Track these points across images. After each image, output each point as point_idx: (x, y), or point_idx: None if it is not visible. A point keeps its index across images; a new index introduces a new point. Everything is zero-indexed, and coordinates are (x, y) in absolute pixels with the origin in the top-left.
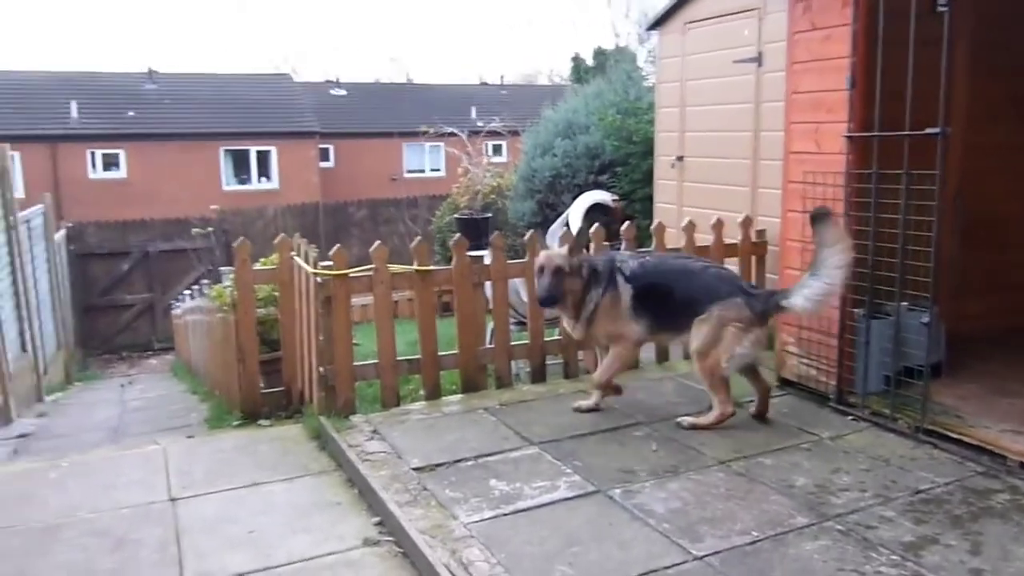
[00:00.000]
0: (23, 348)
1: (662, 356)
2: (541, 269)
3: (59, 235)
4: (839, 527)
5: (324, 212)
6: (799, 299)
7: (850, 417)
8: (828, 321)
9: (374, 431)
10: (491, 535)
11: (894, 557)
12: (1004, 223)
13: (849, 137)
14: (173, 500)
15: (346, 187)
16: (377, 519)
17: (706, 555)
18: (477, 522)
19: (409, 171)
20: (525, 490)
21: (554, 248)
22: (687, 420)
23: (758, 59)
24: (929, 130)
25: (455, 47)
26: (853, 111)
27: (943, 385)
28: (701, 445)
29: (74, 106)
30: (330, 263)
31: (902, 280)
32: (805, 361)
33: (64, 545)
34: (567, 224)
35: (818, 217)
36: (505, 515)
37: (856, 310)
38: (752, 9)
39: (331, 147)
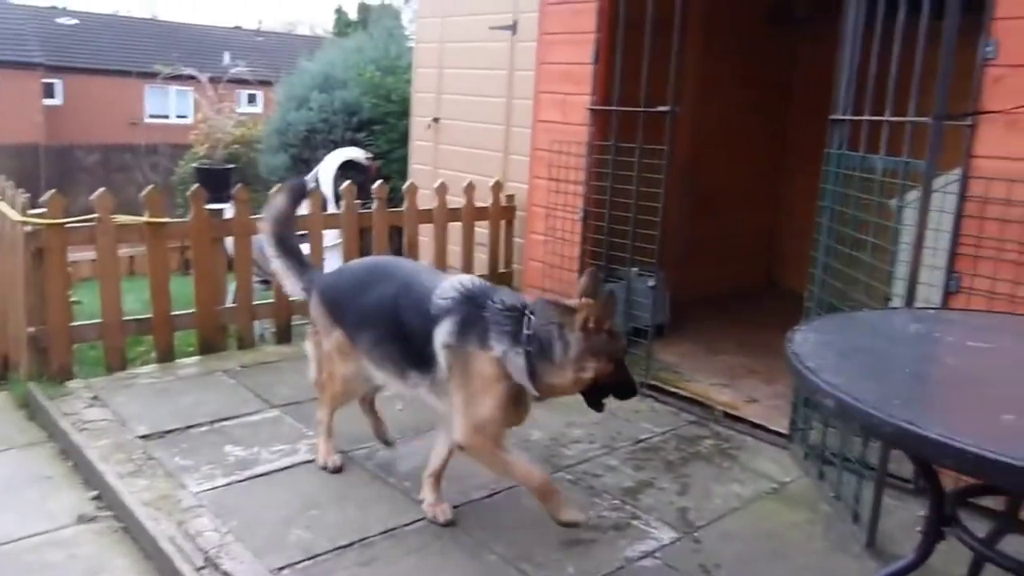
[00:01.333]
0: None
1: None
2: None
3: None
4: (569, 476)
5: (46, 155)
6: None
7: None
8: (566, 283)
9: (95, 397)
10: (224, 503)
11: (615, 501)
12: (724, 197)
13: (592, 109)
14: None
15: (77, 128)
16: (95, 493)
17: None
18: (209, 490)
19: (152, 116)
20: (263, 454)
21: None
22: None
23: (513, 27)
24: (661, 108)
25: None
26: (596, 85)
27: (665, 344)
28: None
29: None
30: (43, 210)
31: (633, 247)
32: None
33: None
34: (317, 180)
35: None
36: (240, 481)
37: None
38: None
39: (58, 82)
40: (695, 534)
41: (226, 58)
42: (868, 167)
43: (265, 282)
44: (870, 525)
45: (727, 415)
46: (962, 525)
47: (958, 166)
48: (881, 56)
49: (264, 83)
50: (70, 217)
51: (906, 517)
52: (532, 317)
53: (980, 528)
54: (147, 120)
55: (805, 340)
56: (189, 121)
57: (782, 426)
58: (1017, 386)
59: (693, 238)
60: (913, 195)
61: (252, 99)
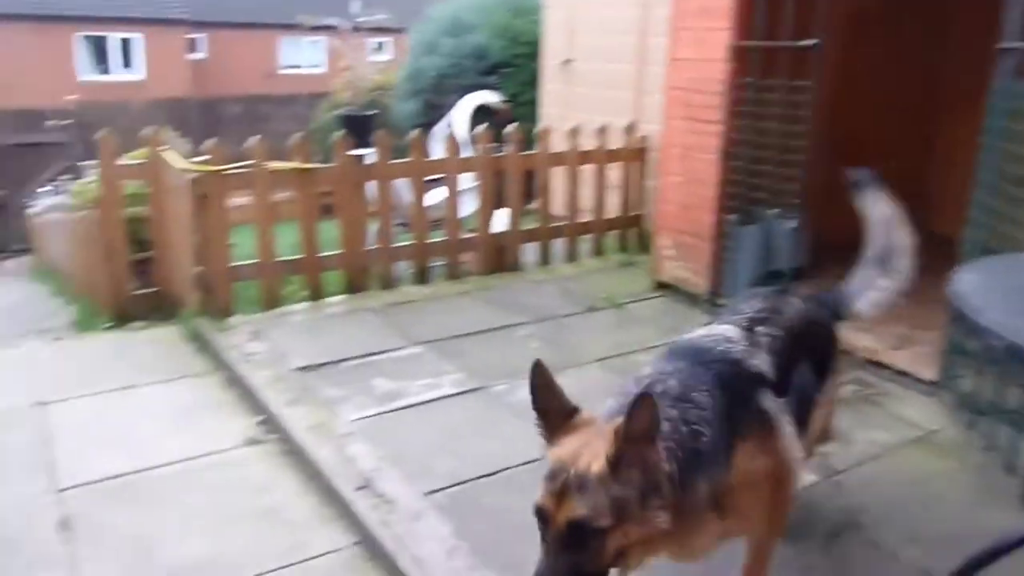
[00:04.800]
0: None
1: (544, 259)
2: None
3: None
4: None
5: (195, 107)
6: (865, 305)
7: None
8: (702, 226)
9: (254, 332)
10: (375, 430)
11: None
12: (869, 139)
13: (732, 46)
14: (42, 404)
15: (219, 81)
16: (260, 419)
17: None
18: (361, 419)
19: (287, 66)
20: (409, 387)
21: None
22: None
23: None
24: (805, 42)
25: None
26: (736, 19)
27: (803, 287)
28: (581, 344)
29: None
30: (205, 158)
31: (772, 188)
32: (680, 264)
33: None
34: (451, 125)
35: (861, 184)
36: (389, 411)
37: (729, 216)
38: None
39: (202, 37)
40: (836, 479)
41: (355, 7)
42: None
43: (404, 224)
44: None
45: (869, 361)
46: None
47: None
48: None
49: (393, 31)
50: (228, 165)
51: None
52: None
53: None
54: (281, 71)
55: (967, 281)
56: (321, 70)
57: (929, 374)
58: None
59: (835, 181)
60: None
61: (380, 47)
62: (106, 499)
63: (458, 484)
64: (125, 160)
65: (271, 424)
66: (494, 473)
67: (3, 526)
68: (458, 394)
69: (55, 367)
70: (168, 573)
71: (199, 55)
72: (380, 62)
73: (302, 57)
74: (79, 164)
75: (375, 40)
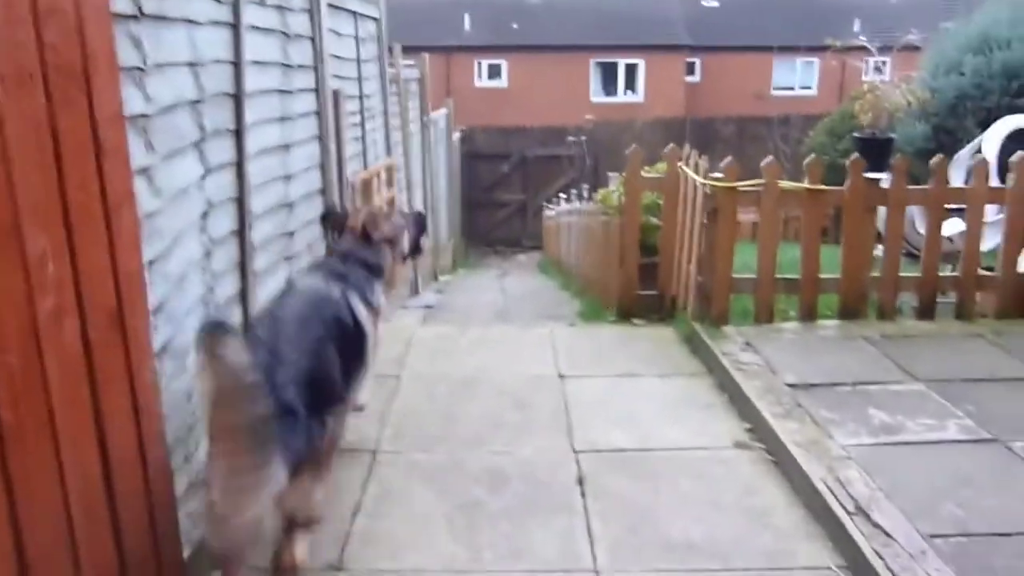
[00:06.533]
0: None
1: None
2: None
3: (455, 137)
4: None
5: (690, 127)
6: None
7: None
8: None
9: (747, 343)
10: (870, 460)
11: None
12: None
13: None
14: (561, 377)
15: (709, 103)
16: (748, 426)
17: None
18: (855, 445)
19: (777, 88)
20: (908, 424)
21: None
22: None
23: None
24: None
25: None
26: None
27: None
28: None
29: (467, 19)
30: (719, 175)
31: None
32: None
33: (479, 398)
34: (979, 151)
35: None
36: (886, 444)
37: None
38: None
39: (697, 61)
40: None
41: (856, 25)
42: None
43: (911, 255)
44: None
45: None
46: None
47: None
48: None
49: (912, 48)
50: (739, 182)
51: None
52: None
53: None
54: (773, 92)
55: None
56: (811, 92)
57: None
58: None
59: None
60: None
61: (879, 68)
62: (612, 467)
63: (965, 535)
64: (647, 173)
65: (759, 432)
66: (1010, 535)
67: (535, 469)
68: (967, 442)
69: (570, 348)
70: (663, 543)
71: (693, 78)
72: (887, 82)
73: (794, 79)
74: (591, 174)
75: (874, 59)
